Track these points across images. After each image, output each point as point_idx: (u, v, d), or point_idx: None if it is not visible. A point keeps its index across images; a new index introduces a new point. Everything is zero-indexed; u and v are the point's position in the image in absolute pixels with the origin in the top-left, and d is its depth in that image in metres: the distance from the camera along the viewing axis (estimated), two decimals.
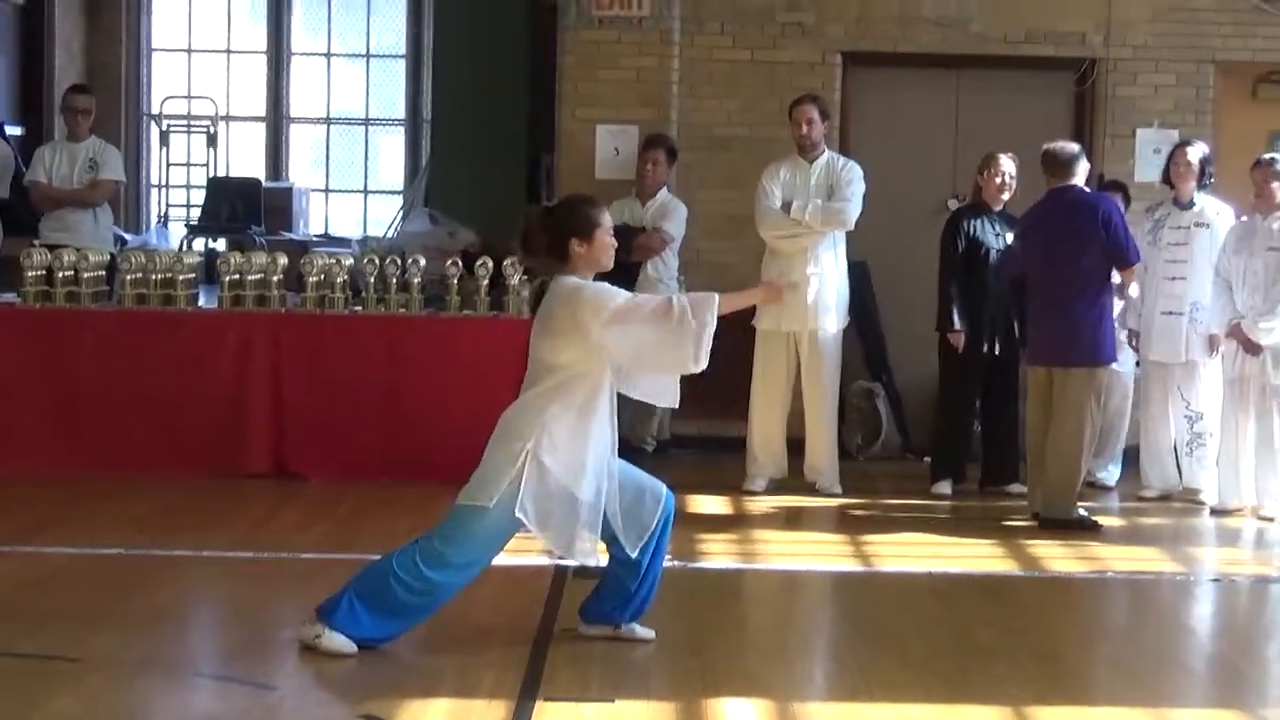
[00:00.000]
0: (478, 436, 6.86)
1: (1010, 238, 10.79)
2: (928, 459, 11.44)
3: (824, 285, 10.82)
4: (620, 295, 6.77)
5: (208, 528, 9.25)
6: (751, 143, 12.27)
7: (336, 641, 6.67)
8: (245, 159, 19.15)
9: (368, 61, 19.63)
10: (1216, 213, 10.87)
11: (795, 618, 8.18)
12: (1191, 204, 10.87)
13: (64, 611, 7.40)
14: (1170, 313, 10.81)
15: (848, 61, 12.70)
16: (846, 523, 10.13)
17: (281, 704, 6.22)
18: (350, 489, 10.35)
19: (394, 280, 10.94)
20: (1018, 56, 12.67)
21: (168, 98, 18.82)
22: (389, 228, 16.21)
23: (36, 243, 11.74)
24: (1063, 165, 10.23)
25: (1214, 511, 10.60)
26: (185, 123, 18.71)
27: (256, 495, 10.26)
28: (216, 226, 17.23)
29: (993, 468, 11.14)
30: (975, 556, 9.21)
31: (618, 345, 6.68)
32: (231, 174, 18.48)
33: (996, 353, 10.94)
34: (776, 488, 10.92)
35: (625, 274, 11.43)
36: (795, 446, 11.02)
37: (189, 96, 18.92)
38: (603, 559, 6.92)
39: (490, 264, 10.85)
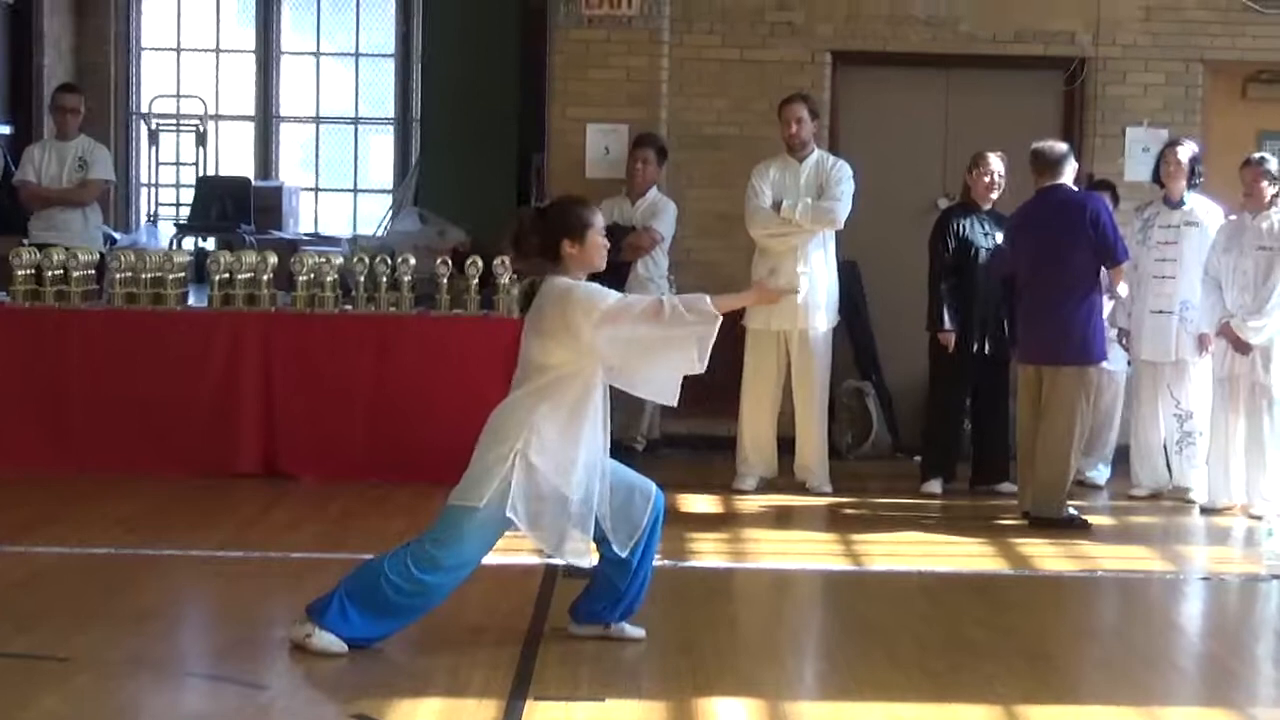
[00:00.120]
0: (468, 435, 6.86)
1: (999, 237, 10.80)
2: (918, 458, 11.44)
3: (814, 284, 10.82)
4: (611, 296, 6.76)
5: (198, 527, 9.24)
6: (741, 142, 12.28)
7: (326, 641, 6.67)
8: (235, 158, 19.12)
9: (357, 61, 19.60)
10: (1206, 212, 10.88)
11: (785, 617, 8.18)
12: (1181, 203, 10.88)
13: (53, 611, 7.39)
14: (1160, 312, 10.83)
15: (837, 61, 12.70)
16: (837, 522, 10.14)
17: (272, 704, 6.21)
18: (340, 488, 10.34)
19: (384, 279, 10.93)
20: (1007, 56, 12.67)
21: (157, 97, 18.79)
22: (379, 227, 16.20)
23: (25, 242, 11.73)
24: (1051, 165, 10.24)
25: (1204, 510, 10.61)
26: (175, 122, 18.69)
27: (246, 495, 10.24)
28: (206, 226, 17.20)
29: (983, 467, 11.15)
30: (965, 555, 9.22)
31: (609, 347, 6.68)
32: (221, 173, 18.45)
33: (986, 352, 10.95)
34: (767, 487, 10.93)
35: (615, 273, 11.45)
36: (785, 445, 11.02)
37: (178, 96, 18.89)
38: (594, 558, 6.92)
39: (480, 263, 10.84)
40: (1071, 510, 10.02)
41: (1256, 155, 10.62)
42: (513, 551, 6.96)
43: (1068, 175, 10.28)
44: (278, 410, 10.76)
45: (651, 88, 12.54)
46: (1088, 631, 7.96)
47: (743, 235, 11.07)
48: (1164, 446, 11.03)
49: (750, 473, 10.95)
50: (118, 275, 11.00)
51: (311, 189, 19.47)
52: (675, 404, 7.03)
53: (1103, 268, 10.09)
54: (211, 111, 18.88)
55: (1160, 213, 10.95)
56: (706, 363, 6.78)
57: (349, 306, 11.01)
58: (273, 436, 10.78)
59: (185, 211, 17.89)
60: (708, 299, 6.75)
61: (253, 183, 17.99)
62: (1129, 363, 11.21)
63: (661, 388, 6.97)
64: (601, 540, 6.86)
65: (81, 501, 9.85)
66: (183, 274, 11.24)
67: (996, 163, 11.00)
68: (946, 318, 10.91)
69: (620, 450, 10.90)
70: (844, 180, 10.87)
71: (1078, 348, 10.00)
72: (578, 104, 12.55)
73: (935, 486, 11.00)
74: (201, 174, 18.21)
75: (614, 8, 12.47)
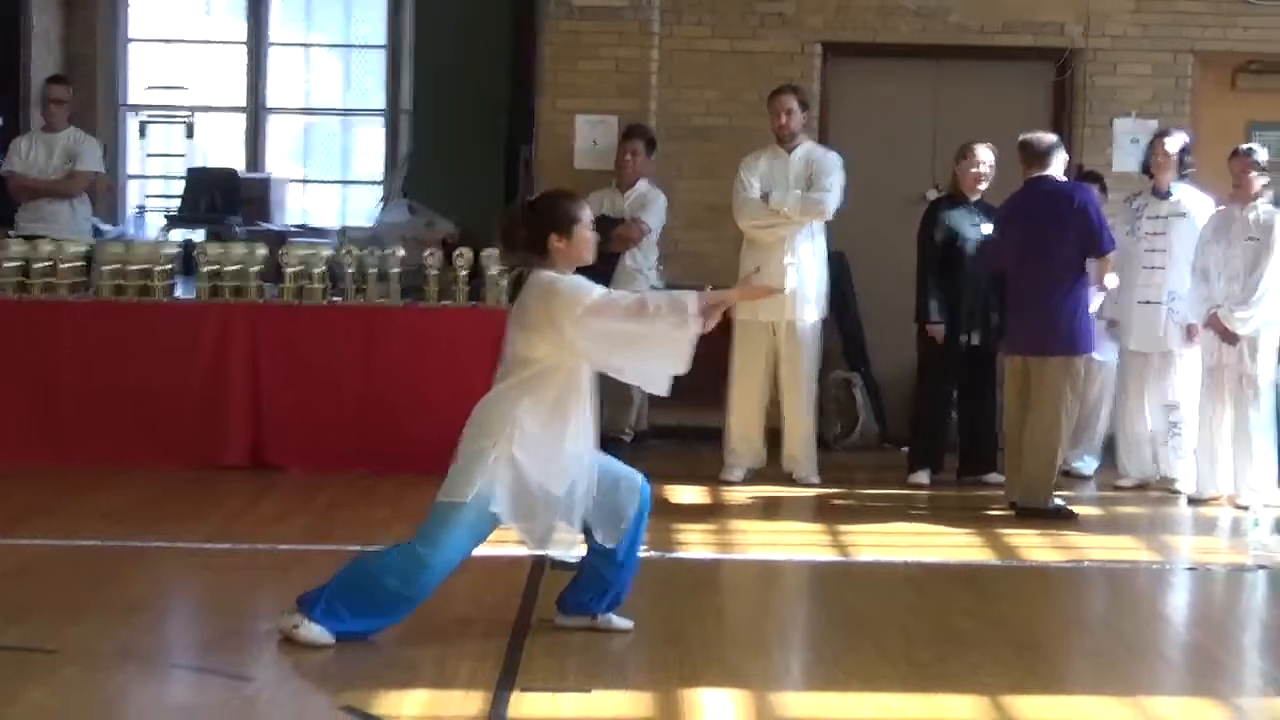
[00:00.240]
0: (457, 426, 6.85)
1: (988, 228, 10.80)
2: (905, 449, 11.45)
3: (803, 276, 10.82)
4: (595, 291, 6.75)
5: (186, 519, 9.23)
6: (730, 133, 12.29)
7: (314, 633, 6.67)
8: (223, 150, 19.08)
9: (347, 52, 19.57)
10: (1194, 202, 10.89)
11: (773, 607, 8.19)
12: (1170, 194, 10.89)
13: (41, 603, 7.38)
14: (1148, 302, 10.84)
15: (827, 52, 12.72)
16: (824, 512, 10.14)
17: (259, 695, 6.21)
18: (329, 479, 10.34)
19: (372, 271, 10.92)
20: (997, 47, 12.70)
21: (146, 88, 18.76)
22: (368, 218, 16.19)
23: (13, 233, 11.72)
24: (1039, 156, 10.24)
25: (1190, 501, 10.63)
26: (163, 113, 18.67)
27: (234, 486, 10.24)
28: (194, 217, 17.16)
29: (970, 457, 11.16)
30: (953, 546, 9.23)
31: (590, 342, 6.67)
32: (209, 165, 18.42)
33: (974, 343, 10.96)
34: (754, 478, 10.93)
35: (604, 264, 11.45)
36: (773, 437, 11.03)
37: (167, 87, 18.86)
38: (581, 549, 6.92)
39: (469, 254, 10.83)
40: (1058, 501, 10.04)
41: (1245, 146, 10.64)
42: (500, 543, 6.95)
43: (1056, 166, 10.28)
44: (266, 402, 10.76)
45: (641, 79, 12.55)
46: (1075, 622, 7.97)
47: (732, 227, 11.08)
48: (1151, 437, 11.05)
49: (738, 464, 10.95)
50: (106, 267, 10.99)
51: (300, 180, 19.45)
52: (666, 394, 7.02)
53: (1090, 259, 10.11)
54: (200, 103, 18.85)
55: (1149, 203, 10.96)
56: (689, 363, 6.77)
57: (337, 298, 11.01)
58: (261, 428, 10.78)
59: (174, 203, 17.86)
60: (692, 297, 6.74)
61: (241, 174, 17.97)
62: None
63: (650, 377, 6.96)
64: (588, 532, 6.87)
65: (70, 493, 9.85)
66: (171, 266, 11.23)
67: (985, 154, 11.01)
68: (934, 309, 10.92)
69: (608, 441, 10.96)
70: (833, 172, 10.86)
71: (1064, 338, 10.01)
72: (567, 95, 12.56)
73: (923, 477, 11.01)
74: (190, 165, 18.19)
75: None
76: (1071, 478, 11.16)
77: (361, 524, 9.12)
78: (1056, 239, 10.01)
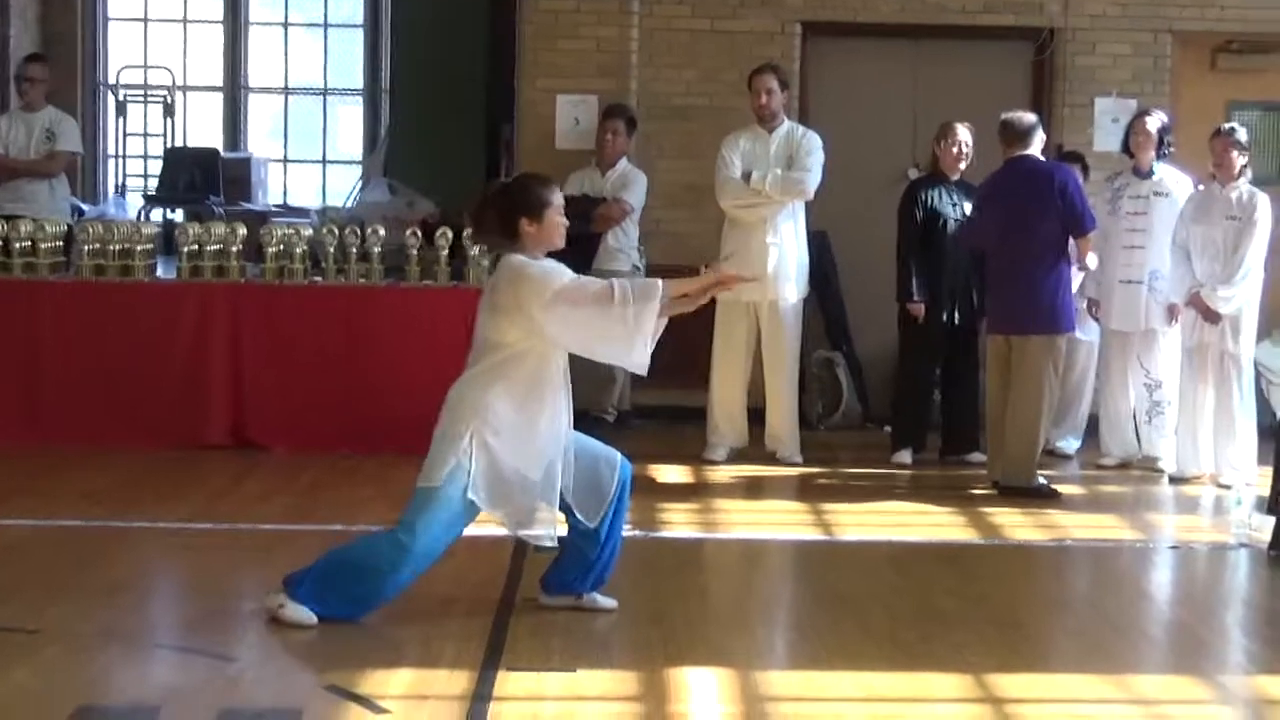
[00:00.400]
0: (438, 406, 6.84)
1: (968, 207, 10.81)
2: (888, 428, 11.46)
3: (784, 255, 10.82)
4: (564, 277, 6.73)
5: (167, 499, 9.22)
6: (711, 112, 12.26)
7: (298, 613, 6.68)
8: (203, 129, 19.04)
9: (325, 31, 19.53)
10: (1175, 182, 10.91)
11: (756, 587, 8.20)
12: (1151, 173, 10.90)
13: (22, 583, 7.37)
14: (1129, 281, 10.85)
15: (807, 31, 12.69)
16: (807, 492, 10.15)
17: (243, 675, 6.20)
18: (311, 459, 10.32)
19: (354, 250, 10.91)
20: (977, 26, 12.69)
21: (124, 67, 18.70)
22: (348, 198, 16.15)
23: None
24: (1020, 135, 10.26)
25: (1172, 479, 10.65)
26: (142, 93, 18.61)
27: (216, 466, 10.22)
28: (174, 197, 17.13)
29: (953, 437, 11.17)
30: (936, 525, 9.24)
31: (557, 328, 6.65)
32: (189, 144, 18.38)
33: (956, 322, 10.97)
34: (737, 457, 10.93)
35: (586, 244, 11.47)
36: (756, 416, 11.03)
37: (146, 66, 18.80)
38: (562, 529, 6.92)
39: (450, 234, 10.81)
40: (1041, 480, 10.05)
41: (1226, 126, 10.64)
42: (484, 523, 6.94)
43: (1036, 146, 10.30)
44: (247, 381, 10.74)
45: (621, 58, 12.53)
46: (1058, 600, 7.99)
47: (712, 206, 11.07)
48: (1133, 416, 11.07)
49: (721, 443, 10.96)
50: (86, 247, 10.96)
51: (280, 160, 19.41)
52: (645, 373, 7.01)
53: (1070, 238, 10.12)
54: (179, 82, 18.80)
55: (1130, 183, 10.97)
56: (647, 363, 6.76)
57: (318, 278, 10.99)
58: (242, 408, 10.76)
59: (153, 183, 17.82)
60: (660, 286, 6.72)
61: (221, 154, 17.93)
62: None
63: (624, 360, 6.93)
64: (570, 512, 6.87)
65: (51, 474, 9.82)
66: (151, 245, 11.20)
67: (964, 133, 11.01)
68: (915, 288, 10.92)
69: (590, 421, 11.00)
70: (814, 151, 10.86)
71: (1046, 317, 10.02)
72: (548, 75, 12.53)
73: (905, 456, 11.02)
74: (169, 145, 18.15)
75: None
76: (1054, 457, 11.18)
77: (344, 503, 9.11)
78: (1037, 218, 10.02)
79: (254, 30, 19.37)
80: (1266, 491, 9.16)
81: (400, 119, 15.52)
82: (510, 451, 6.67)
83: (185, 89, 18.98)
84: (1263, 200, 10.33)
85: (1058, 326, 10.08)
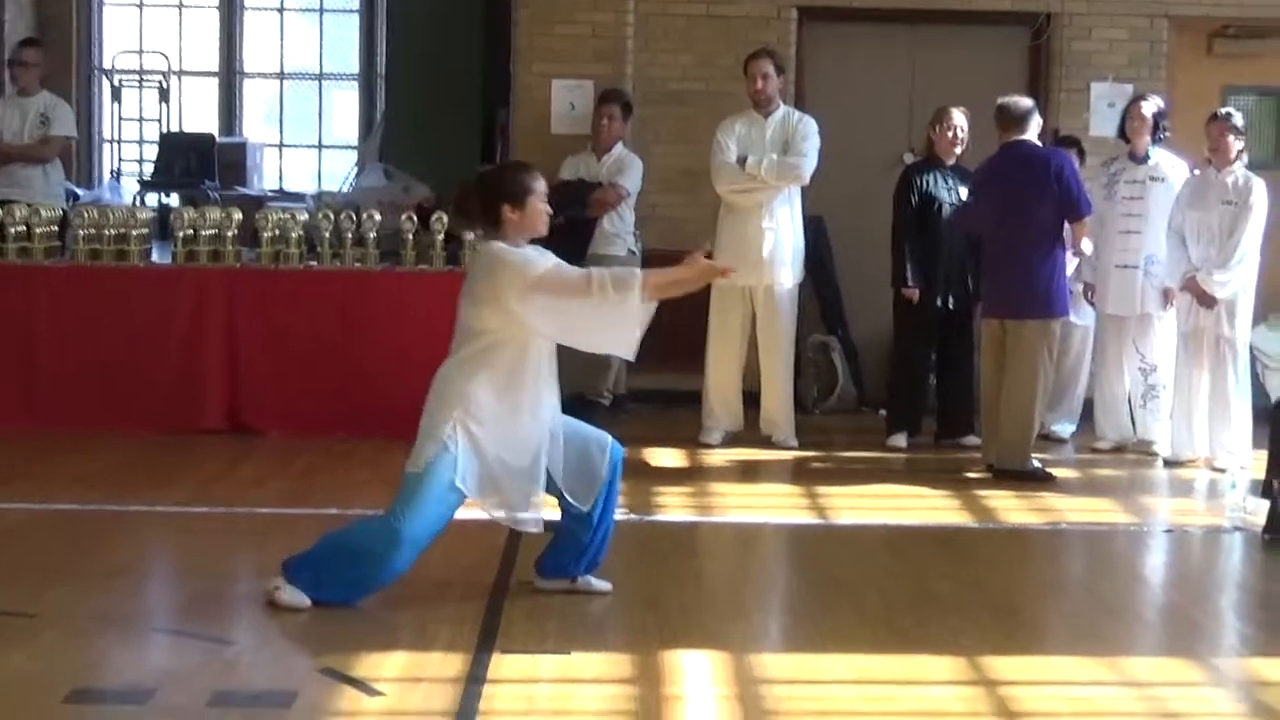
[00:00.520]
0: None
1: (963, 192, 10.81)
2: (883, 412, 11.48)
3: (779, 240, 10.83)
4: (541, 266, 6.72)
5: (163, 483, 9.22)
6: (707, 97, 12.26)
7: (293, 596, 6.70)
8: (198, 114, 19.00)
9: (321, 15, 19.47)
10: (1171, 167, 10.91)
11: (751, 570, 8.21)
12: (1146, 158, 10.90)
13: (19, 568, 7.38)
14: (1125, 266, 10.86)
15: (803, 16, 12.69)
16: (802, 475, 10.16)
17: (239, 659, 6.21)
18: (306, 444, 10.33)
19: (349, 235, 10.90)
20: (973, 11, 12.69)
21: (120, 52, 18.64)
22: (344, 183, 16.14)
23: None
24: (1016, 120, 10.26)
25: (1167, 463, 10.67)
26: (137, 77, 18.57)
27: (212, 451, 10.22)
28: (170, 182, 17.11)
29: (948, 420, 11.18)
30: (931, 508, 9.25)
31: (536, 317, 6.66)
32: (184, 129, 18.35)
33: (950, 307, 10.98)
34: (732, 441, 10.94)
35: (582, 229, 11.48)
36: (751, 400, 11.04)
37: (141, 51, 18.76)
38: (549, 514, 6.93)
39: (445, 218, 10.81)
40: (1036, 463, 10.07)
41: (1223, 110, 10.65)
42: (475, 507, 6.95)
43: (1032, 130, 10.30)
44: (243, 366, 10.74)
45: (617, 43, 12.52)
46: (1052, 583, 8.00)
47: (708, 191, 11.07)
48: (1128, 400, 11.08)
49: (716, 427, 10.96)
50: (81, 232, 10.95)
51: (276, 145, 19.38)
52: (633, 359, 7.02)
53: (1066, 223, 10.13)
54: (174, 67, 18.76)
55: (1125, 168, 10.97)
56: (635, 350, 6.78)
57: (314, 263, 10.99)
58: (238, 392, 10.76)
59: (149, 168, 17.79)
60: (638, 276, 6.72)
61: (216, 139, 17.90)
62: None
63: (605, 348, 6.93)
64: (561, 495, 6.88)
65: (46, 458, 9.82)
66: (146, 230, 11.20)
67: (959, 118, 11.01)
68: (910, 273, 10.92)
69: (586, 405, 11.01)
70: (809, 136, 10.86)
71: (1041, 301, 10.03)
72: (543, 59, 12.52)
73: (900, 440, 11.03)
74: (165, 130, 18.11)
75: None
76: (1049, 440, 11.19)
77: (340, 487, 9.12)
78: (1034, 203, 10.03)
79: (249, 15, 19.31)
80: (1261, 475, 9.18)
81: (396, 104, 15.51)
82: (494, 440, 6.69)
83: (180, 74, 18.93)
84: (1258, 185, 10.33)
85: (1052, 311, 10.09)
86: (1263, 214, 10.32)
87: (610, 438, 6.98)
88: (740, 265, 10.59)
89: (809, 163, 10.82)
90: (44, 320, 10.73)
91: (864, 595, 7.38)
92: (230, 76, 19.13)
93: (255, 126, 19.38)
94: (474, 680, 5.92)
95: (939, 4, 12.62)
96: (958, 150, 11.04)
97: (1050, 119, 11.90)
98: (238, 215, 11.14)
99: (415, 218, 10.98)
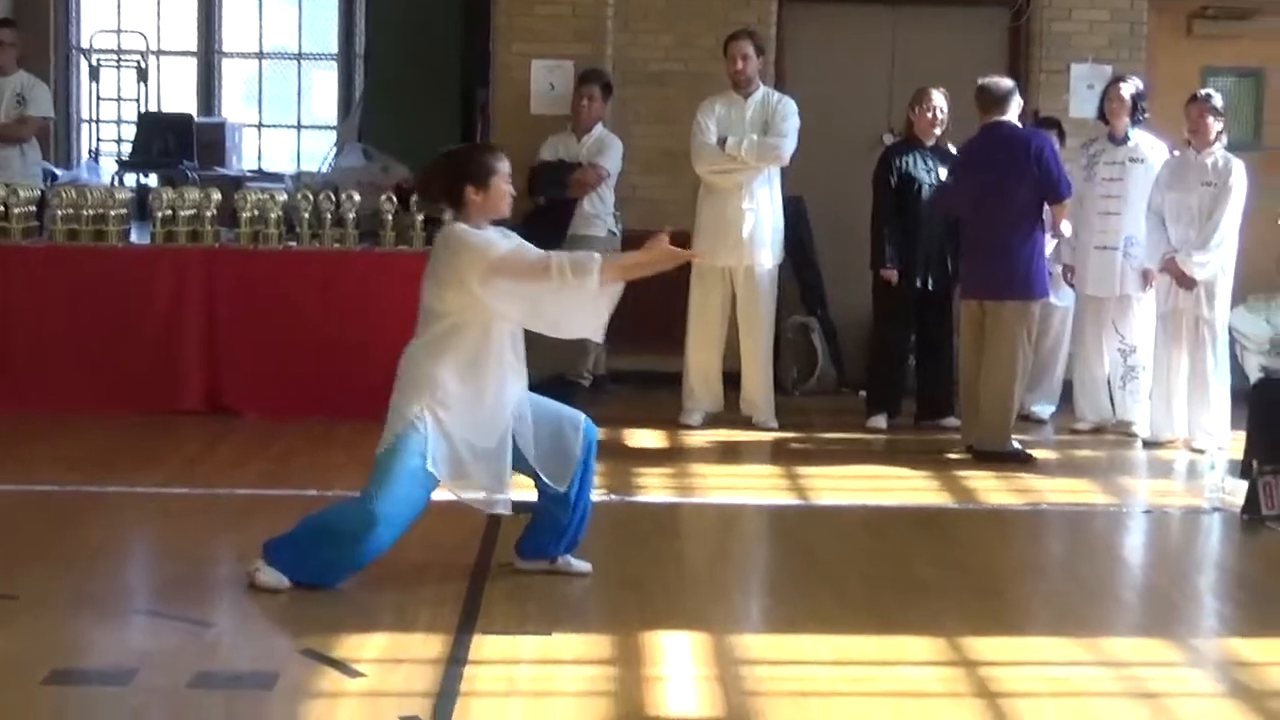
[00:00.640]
0: None
1: (943, 173, 10.82)
2: (863, 393, 11.48)
3: (759, 220, 10.83)
4: (501, 247, 6.71)
5: (142, 465, 9.20)
6: (687, 78, 12.25)
7: (271, 577, 6.69)
8: (176, 94, 18.95)
9: None
10: (1150, 148, 10.92)
11: (731, 551, 8.21)
12: (1126, 139, 10.91)
13: None
14: (1104, 247, 10.88)
15: None
16: (782, 456, 10.17)
17: (219, 640, 6.21)
18: (285, 425, 10.31)
19: (328, 215, 10.89)
20: None
21: (97, 32, 18.59)
22: (323, 163, 16.10)
23: None
24: (997, 101, 10.26)
25: (1146, 444, 10.69)
26: (115, 57, 18.51)
27: (191, 432, 10.20)
28: (148, 162, 17.06)
29: (927, 401, 11.19)
30: (910, 490, 9.26)
31: (497, 300, 6.65)
32: (163, 109, 18.29)
33: (930, 288, 10.98)
34: (712, 422, 10.94)
35: (562, 210, 11.47)
36: (731, 381, 11.04)
37: (119, 31, 18.70)
38: (527, 496, 6.92)
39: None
40: (1015, 444, 10.08)
41: (1203, 92, 10.66)
42: (448, 489, 6.94)
43: (1013, 112, 10.30)
44: (222, 347, 10.71)
45: (597, 23, 12.49)
46: (1031, 564, 8.02)
47: (688, 172, 11.06)
48: (1108, 381, 11.10)
49: (696, 408, 10.97)
50: (59, 212, 10.91)
51: (255, 125, 19.34)
52: (600, 340, 7.02)
53: (1046, 204, 10.14)
54: (153, 47, 18.69)
55: (1105, 149, 10.99)
56: (602, 333, 6.79)
57: (293, 243, 10.96)
58: (217, 373, 10.73)
59: (127, 148, 17.74)
60: (596, 260, 6.70)
61: (195, 119, 17.84)
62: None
63: (580, 329, 6.90)
64: (537, 476, 6.88)
65: (25, 439, 9.80)
66: (125, 211, 11.15)
67: (939, 99, 11.01)
68: (889, 254, 10.92)
69: (566, 386, 11.00)
70: (789, 117, 10.85)
71: (1021, 283, 10.04)
72: (523, 40, 12.50)
73: (880, 421, 11.04)
74: (143, 110, 18.05)
75: None
76: (1029, 422, 11.20)
77: (319, 469, 9.11)
78: (1014, 184, 10.03)
79: None
80: (1239, 456, 9.23)
81: (375, 84, 15.47)
82: (461, 423, 6.69)
83: (159, 53, 18.87)
84: (1238, 166, 10.34)
85: (1032, 292, 10.10)
86: (1242, 195, 10.33)
87: (584, 416, 6.98)
88: (720, 246, 10.68)
89: (789, 143, 10.81)
90: (21, 301, 10.69)
91: (844, 576, 7.40)
92: (209, 56, 19.09)
93: (234, 106, 19.34)
94: (455, 661, 5.92)
95: None
96: (937, 131, 11.04)
97: (1030, 100, 11.90)
98: (216, 195, 11.12)
99: (394, 198, 10.97)
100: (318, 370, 10.57)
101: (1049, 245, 10.44)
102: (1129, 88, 10.92)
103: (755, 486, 9.31)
